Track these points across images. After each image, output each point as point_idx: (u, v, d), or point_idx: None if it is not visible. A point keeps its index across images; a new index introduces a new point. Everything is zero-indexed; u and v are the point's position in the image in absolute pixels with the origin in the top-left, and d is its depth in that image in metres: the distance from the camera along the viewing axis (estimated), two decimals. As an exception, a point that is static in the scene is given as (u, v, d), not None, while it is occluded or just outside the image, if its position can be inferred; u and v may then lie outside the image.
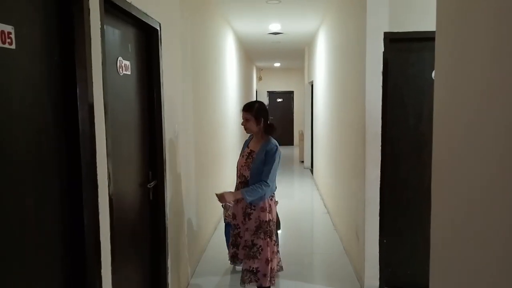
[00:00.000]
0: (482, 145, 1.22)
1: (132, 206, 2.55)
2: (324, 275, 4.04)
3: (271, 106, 15.27)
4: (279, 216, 3.46)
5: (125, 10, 2.23)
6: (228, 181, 6.43)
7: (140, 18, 2.47)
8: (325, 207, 6.27)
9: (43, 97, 1.60)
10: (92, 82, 1.82)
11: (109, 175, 2.02)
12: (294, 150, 13.60)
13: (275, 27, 7.02)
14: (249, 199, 2.91)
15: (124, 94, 2.40)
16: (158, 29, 2.78)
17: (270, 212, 3.02)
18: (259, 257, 2.95)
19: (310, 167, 9.71)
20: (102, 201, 1.92)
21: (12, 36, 1.39)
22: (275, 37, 7.92)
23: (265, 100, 15.18)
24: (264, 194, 2.94)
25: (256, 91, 14.58)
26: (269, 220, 3.00)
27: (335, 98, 5.37)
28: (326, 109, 6.36)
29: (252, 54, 11.01)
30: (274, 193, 3.12)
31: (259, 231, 2.97)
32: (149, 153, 2.80)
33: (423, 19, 3.19)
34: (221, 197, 3.00)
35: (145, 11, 2.51)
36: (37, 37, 1.55)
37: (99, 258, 1.89)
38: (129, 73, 2.45)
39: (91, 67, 1.82)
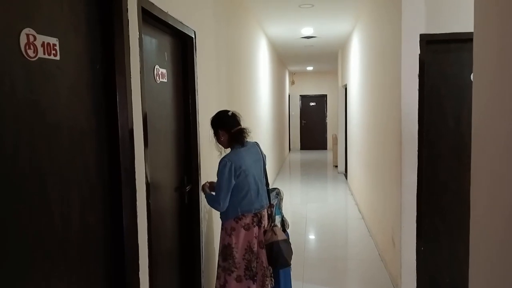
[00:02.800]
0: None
1: (168, 210, 2.61)
2: (359, 281, 3.98)
3: (304, 110, 15.22)
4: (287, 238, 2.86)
5: (161, 19, 2.30)
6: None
7: (176, 26, 2.53)
8: (360, 212, 6.18)
9: (87, 105, 1.68)
10: (131, 90, 1.89)
11: (147, 180, 2.08)
12: (328, 155, 13.47)
13: (307, 31, 7.00)
14: (207, 202, 2.72)
15: (160, 101, 2.47)
16: (193, 36, 2.84)
17: (231, 235, 2.59)
18: (219, 280, 2.67)
19: (344, 172, 9.58)
20: (140, 205, 1.98)
21: (57, 47, 1.46)
22: (307, 41, 7.90)
23: (297, 104, 15.14)
24: (227, 213, 2.61)
25: (289, 95, 14.57)
26: (228, 245, 2.59)
27: (370, 101, 5.29)
28: (361, 112, 6.28)
29: (285, 58, 11.02)
30: (243, 215, 2.58)
31: (223, 253, 2.64)
32: (185, 158, 2.86)
33: (461, 19, 3.10)
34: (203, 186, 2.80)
35: (180, 19, 2.58)
36: (79, 48, 1.63)
37: (137, 260, 1.94)
38: (166, 80, 2.52)
39: (130, 75, 1.89)
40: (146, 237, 2.06)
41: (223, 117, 2.69)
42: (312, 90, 15.11)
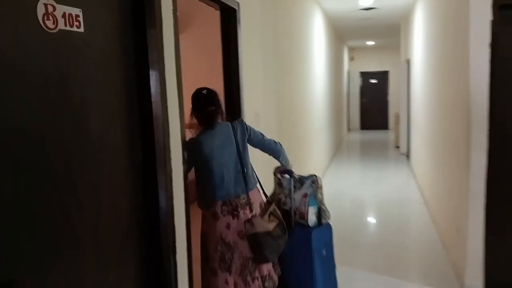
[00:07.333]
0: None
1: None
2: (417, 270, 3.71)
3: (364, 88, 14.59)
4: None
5: (200, -11, 2.17)
6: (315, 164, 6.27)
7: (217, -3, 2.40)
8: (422, 197, 5.79)
9: (116, 81, 1.60)
10: (164, 66, 1.79)
11: (184, 160, 2.00)
12: (389, 135, 12.85)
13: (366, 1, 6.56)
14: None
15: (200, 77, 2.37)
16: (237, 9, 2.69)
17: (203, 223, 2.36)
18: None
19: (406, 153, 9.07)
20: (176, 186, 1.90)
21: (80, 19, 1.38)
22: (367, 13, 7.42)
23: (357, 81, 14.50)
24: (198, 200, 2.39)
25: (348, 72, 14.02)
26: (201, 233, 2.36)
27: (435, 76, 4.86)
28: (425, 89, 5.82)
29: (343, 33, 10.53)
30: (209, 202, 2.30)
31: (200, 242, 2.41)
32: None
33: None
34: None
35: (221, -10, 2.44)
36: (107, 20, 1.54)
37: (174, 243, 1.88)
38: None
39: (163, 49, 1.79)
40: (184, 220, 1.99)
41: (195, 97, 2.31)
42: (373, 66, 14.37)
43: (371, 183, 7.07)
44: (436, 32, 4.72)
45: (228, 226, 2.29)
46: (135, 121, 1.70)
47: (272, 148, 2.56)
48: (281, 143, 2.58)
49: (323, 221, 2.61)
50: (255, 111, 3.08)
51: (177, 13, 1.92)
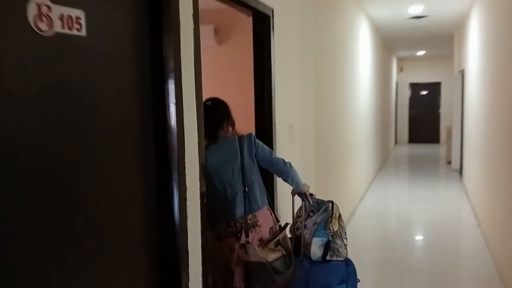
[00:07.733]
0: None
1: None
2: (471, 304, 3.31)
3: (414, 100, 13.95)
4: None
5: (228, -7, 2.02)
6: (358, 179, 5.94)
7: (247, 2, 2.24)
8: (476, 218, 5.29)
9: (125, 90, 1.46)
10: (180, 75, 1.63)
11: (202, 175, 1.83)
12: (440, 149, 12.13)
13: (416, 9, 6.18)
14: None
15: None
16: (270, 15, 2.51)
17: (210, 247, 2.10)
18: None
19: (459, 169, 8.46)
20: (191, 206, 1.73)
21: (82, 21, 1.25)
22: (417, 21, 7.01)
23: (406, 92, 13.88)
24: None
25: (397, 83, 13.46)
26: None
27: (494, 87, 4.43)
28: (482, 101, 5.35)
29: (391, 43, 10.09)
30: (215, 223, 2.12)
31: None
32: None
33: None
34: None
35: (253, -6, 2.27)
36: (115, 23, 1.41)
37: (187, 269, 1.70)
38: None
39: (180, 58, 1.63)
40: (200, 243, 1.80)
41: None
42: (424, 77, 13.70)
43: (419, 201, 6.62)
44: (496, 39, 4.31)
45: (232, 250, 2.08)
46: (147, 134, 1.56)
47: (279, 169, 2.26)
48: (291, 164, 2.28)
49: (330, 258, 2.21)
50: (289, 123, 2.87)
51: (199, 19, 1.76)
